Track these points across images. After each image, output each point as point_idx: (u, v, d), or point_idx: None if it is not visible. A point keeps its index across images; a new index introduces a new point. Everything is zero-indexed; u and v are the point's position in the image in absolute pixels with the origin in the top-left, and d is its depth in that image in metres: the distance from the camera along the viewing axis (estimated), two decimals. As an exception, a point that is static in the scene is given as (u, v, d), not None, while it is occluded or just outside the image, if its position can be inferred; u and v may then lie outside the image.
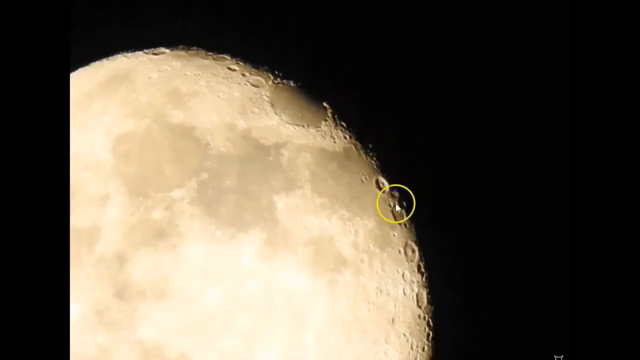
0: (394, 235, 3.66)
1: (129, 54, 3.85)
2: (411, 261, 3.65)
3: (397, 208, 3.66)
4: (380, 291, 3.50)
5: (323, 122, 3.75)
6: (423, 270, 3.64)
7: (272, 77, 3.76)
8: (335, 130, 3.75)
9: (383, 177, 3.71)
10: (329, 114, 3.77)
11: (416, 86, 3.46)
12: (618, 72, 2.20)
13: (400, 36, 3.44)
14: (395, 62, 3.62)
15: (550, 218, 3.01)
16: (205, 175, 3.54)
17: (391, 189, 3.68)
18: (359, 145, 3.74)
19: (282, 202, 3.60)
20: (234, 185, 3.59)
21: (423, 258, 3.64)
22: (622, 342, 2.17)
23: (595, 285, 2.20)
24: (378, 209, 3.57)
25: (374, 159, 3.73)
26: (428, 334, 3.47)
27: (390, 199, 3.69)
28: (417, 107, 3.65)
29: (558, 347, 2.80)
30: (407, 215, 3.55)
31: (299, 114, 3.73)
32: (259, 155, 3.67)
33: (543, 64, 3.16)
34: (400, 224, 3.59)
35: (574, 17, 2.32)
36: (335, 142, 3.73)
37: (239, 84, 3.73)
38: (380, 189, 3.66)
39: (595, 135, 2.20)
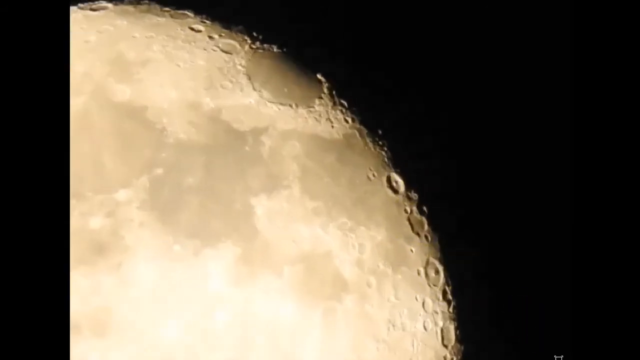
0: (412, 250, 3.76)
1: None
2: (434, 285, 3.75)
3: (416, 214, 3.78)
4: (393, 325, 3.58)
5: (317, 100, 3.84)
6: (450, 297, 3.76)
7: (248, 41, 3.86)
8: (333, 111, 3.84)
9: (397, 173, 3.82)
10: (325, 90, 3.86)
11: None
12: (618, 72, 2.71)
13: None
14: (414, 20, 3.88)
15: (548, 217, 3.49)
16: (159, 171, 3.61)
17: (408, 188, 3.81)
18: (365, 131, 3.84)
19: (262, 206, 3.69)
20: (198, 184, 3.67)
21: (450, 281, 3.76)
22: (622, 342, 2.62)
23: (595, 285, 2.67)
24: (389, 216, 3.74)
25: (385, 149, 3.84)
26: (457, 384, 3.52)
27: (407, 203, 3.81)
28: (445, 82, 3.85)
29: (558, 347, 3.29)
30: (429, 226, 3.71)
31: (285, 90, 3.82)
32: (231, 145, 3.76)
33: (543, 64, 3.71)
34: (420, 235, 3.75)
35: (573, 17, 2.85)
36: (333, 126, 3.82)
37: (204, 49, 3.81)
38: (393, 189, 3.78)
39: (595, 136, 2.72)
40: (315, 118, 3.82)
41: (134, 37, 3.80)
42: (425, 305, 3.67)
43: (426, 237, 3.80)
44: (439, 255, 3.78)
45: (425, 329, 3.63)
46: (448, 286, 3.77)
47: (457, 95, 3.91)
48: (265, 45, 3.84)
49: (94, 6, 3.98)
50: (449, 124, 3.92)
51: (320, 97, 3.84)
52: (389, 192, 3.82)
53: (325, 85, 3.86)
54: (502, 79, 3.74)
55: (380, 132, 3.85)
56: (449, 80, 3.93)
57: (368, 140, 3.83)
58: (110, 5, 3.98)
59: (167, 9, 3.90)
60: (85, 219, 3.51)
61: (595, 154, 2.78)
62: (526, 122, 3.77)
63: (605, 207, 2.77)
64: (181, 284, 3.54)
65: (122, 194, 3.52)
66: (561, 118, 3.25)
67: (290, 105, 3.80)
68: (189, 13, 3.88)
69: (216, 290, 3.59)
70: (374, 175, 3.80)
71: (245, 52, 3.80)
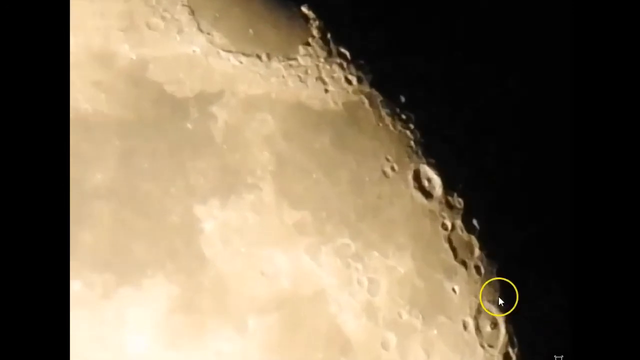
0: (455, 290, 3.49)
1: None
2: (490, 346, 3.47)
3: (462, 232, 3.49)
4: (426, 411, 3.46)
5: (302, 49, 3.53)
6: None
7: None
8: (328, 66, 3.53)
9: (430, 166, 3.50)
10: (315, 31, 3.54)
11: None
12: (618, 72, 3.18)
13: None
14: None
15: (546, 213, 3.63)
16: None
17: (448, 191, 3.51)
18: (380, 98, 3.52)
19: (212, 219, 3.49)
20: (109, 185, 3.48)
21: (516, 340, 3.47)
22: (622, 342, 3.08)
23: (595, 285, 3.11)
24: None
25: (411, 126, 3.52)
26: None
27: (447, 214, 3.50)
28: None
29: (558, 347, 3.48)
30: (481, 251, 3.49)
31: (250, 30, 3.52)
32: (163, 120, 3.53)
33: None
34: (467, 266, 3.49)
35: (573, 17, 3.22)
36: (327, 90, 3.53)
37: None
38: (424, 192, 3.49)
39: (595, 137, 3.16)
40: (299, 77, 3.55)
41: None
42: (475, 377, 3.46)
43: (477, 268, 3.53)
44: (497, 298, 3.52)
45: (476, 417, 3.52)
46: (512, 348, 3.49)
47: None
48: (220, -40, 3.68)
49: None
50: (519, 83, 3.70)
51: (307, 44, 3.56)
52: (418, 196, 3.55)
53: (315, 23, 3.55)
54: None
55: (403, 99, 3.53)
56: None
57: (384, 112, 3.55)
58: None
59: None
60: None
61: (596, 155, 3.19)
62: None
63: (606, 208, 3.14)
64: (82, 343, 3.43)
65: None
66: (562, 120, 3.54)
67: (259, 57, 3.56)
68: None
69: (138, 354, 3.45)
70: (393, 169, 3.54)
71: (188, -29, 3.65)
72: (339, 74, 3.55)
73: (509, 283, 3.50)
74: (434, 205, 3.55)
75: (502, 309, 3.50)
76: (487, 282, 3.47)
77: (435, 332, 3.48)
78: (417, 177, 3.56)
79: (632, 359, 3.14)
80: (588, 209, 3.21)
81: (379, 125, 3.56)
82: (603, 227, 3.19)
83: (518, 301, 3.52)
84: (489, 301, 3.52)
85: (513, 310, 3.52)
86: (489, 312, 3.48)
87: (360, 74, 3.57)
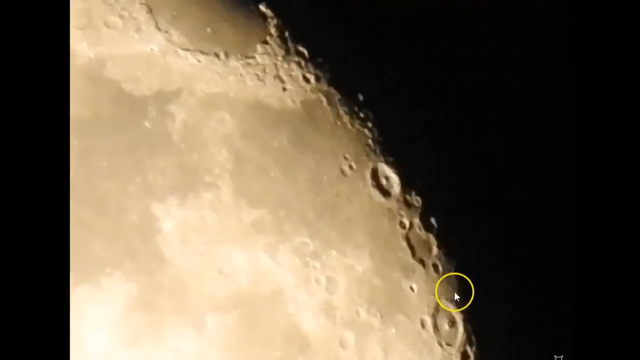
0: (413, 288, 3.49)
1: None
2: (448, 344, 3.48)
3: (420, 230, 3.49)
4: (384, 410, 3.57)
5: (260, 47, 3.54)
6: None
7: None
8: (286, 64, 3.55)
9: (389, 164, 3.51)
10: (273, 29, 3.55)
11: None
12: (618, 72, 3.25)
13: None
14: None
15: (545, 217, 3.68)
16: None
17: (407, 189, 3.50)
18: (338, 97, 3.54)
19: (170, 218, 3.51)
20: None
21: (474, 338, 3.48)
22: (622, 343, 3.14)
23: (595, 285, 3.17)
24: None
25: (370, 124, 3.53)
26: None
27: (405, 212, 3.49)
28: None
29: (558, 347, 3.54)
30: (440, 249, 3.47)
31: (208, 29, 3.54)
32: (121, 119, 3.54)
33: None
34: (425, 264, 3.47)
35: (573, 17, 3.33)
36: (285, 89, 3.55)
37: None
38: (383, 190, 3.49)
39: (595, 138, 3.24)
40: (257, 75, 3.55)
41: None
42: (434, 375, 3.49)
43: (435, 267, 3.53)
44: (457, 298, 3.52)
45: (435, 415, 3.62)
46: (470, 346, 3.50)
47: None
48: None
49: None
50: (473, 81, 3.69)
51: (266, 42, 3.57)
52: (376, 194, 3.54)
53: (273, 21, 3.57)
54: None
55: (361, 97, 3.54)
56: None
57: (342, 110, 3.55)
58: None
59: None
60: None
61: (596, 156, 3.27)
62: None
63: (606, 209, 3.21)
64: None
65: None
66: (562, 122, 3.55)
67: (217, 55, 3.55)
68: None
69: (97, 353, 3.46)
70: (351, 168, 3.54)
71: (147, -31, 3.78)
72: (297, 72, 3.57)
73: (465, 280, 3.49)
74: (392, 203, 3.55)
75: (458, 305, 3.51)
76: (442, 278, 3.49)
77: (393, 330, 3.50)
78: (375, 175, 3.57)
79: (632, 359, 3.19)
80: (588, 208, 3.24)
81: (337, 123, 3.57)
82: (603, 226, 3.22)
83: (475, 298, 3.51)
84: (446, 299, 3.53)
85: (471, 309, 3.51)
86: (445, 309, 3.49)
87: (318, 72, 3.58)
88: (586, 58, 3.31)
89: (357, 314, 3.49)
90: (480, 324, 3.57)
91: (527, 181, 3.75)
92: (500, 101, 3.77)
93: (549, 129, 3.76)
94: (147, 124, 3.53)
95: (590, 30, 3.31)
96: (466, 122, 3.71)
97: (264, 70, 3.57)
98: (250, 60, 3.56)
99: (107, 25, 3.57)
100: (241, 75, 3.55)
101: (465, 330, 3.54)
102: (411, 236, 3.56)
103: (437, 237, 3.57)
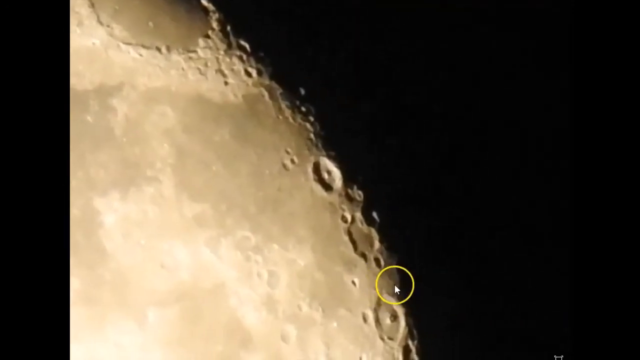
0: (355, 282, 3.48)
1: None
2: (390, 338, 3.47)
3: (362, 224, 3.48)
4: (326, 401, 3.56)
5: (202, 41, 3.53)
6: (415, 357, 3.48)
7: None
8: (228, 58, 3.53)
9: (330, 158, 3.51)
10: (215, 23, 3.54)
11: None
12: (618, 72, 3.27)
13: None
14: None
15: (545, 217, 3.72)
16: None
17: (348, 183, 3.50)
18: (280, 91, 3.53)
19: (112, 212, 3.51)
20: None
21: (415, 332, 3.47)
22: (623, 343, 3.16)
23: (595, 285, 3.20)
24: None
25: (312, 119, 3.53)
26: None
27: (347, 206, 3.49)
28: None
29: (558, 347, 3.58)
30: (381, 244, 3.46)
31: (150, 23, 3.52)
32: None
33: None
34: (367, 258, 3.46)
35: (573, 17, 3.34)
36: (227, 83, 3.54)
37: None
38: (325, 184, 3.49)
39: (595, 139, 3.26)
40: (199, 69, 3.54)
41: None
42: (375, 368, 3.51)
43: (377, 261, 3.51)
44: (397, 290, 3.51)
45: (375, 409, 3.60)
46: (412, 340, 3.50)
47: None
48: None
49: None
50: (422, 76, 3.67)
51: (207, 36, 3.55)
52: (318, 188, 3.54)
53: (215, 15, 3.55)
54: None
55: (303, 91, 3.55)
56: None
57: (284, 104, 3.56)
58: None
59: None
60: None
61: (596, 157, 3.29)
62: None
63: (606, 209, 3.23)
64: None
65: None
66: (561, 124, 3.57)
67: (159, 49, 3.54)
68: None
69: None
70: (293, 162, 3.55)
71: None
72: (238, 66, 3.55)
73: (407, 273, 3.48)
74: (334, 197, 3.54)
75: (399, 298, 3.50)
76: (382, 271, 3.48)
77: (335, 324, 3.50)
78: (317, 169, 3.56)
79: (632, 359, 3.19)
80: (588, 208, 3.25)
81: (278, 117, 3.56)
82: (603, 226, 3.23)
83: (417, 292, 3.50)
84: (387, 293, 3.52)
85: (413, 304, 3.49)
86: (386, 302, 3.48)
87: (260, 66, 3.57)
88: (586, 58, 3.32)
89: (299, 308, 3.50)
90: (422, 318, 3.55)
91: (527, 181, 3.72)
92: (500, 101, 3.75)
93: (549, 129, 3.73)
94: (89, 118, 3.51)
95: (590, 30, 3.32)
96: (410, 117, 3.62)
97: (206, 64, 3.55)
98: (192, 55, 3.55)
99: (47, 18, 3.60)
100: (183, 69, 3.54)
101: (407, 324, 3.53)
102: (353, 230, 3.54)
103: (379, 231, 3.55)
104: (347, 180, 3.56)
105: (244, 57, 3.57)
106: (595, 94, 3.31)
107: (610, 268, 3.25)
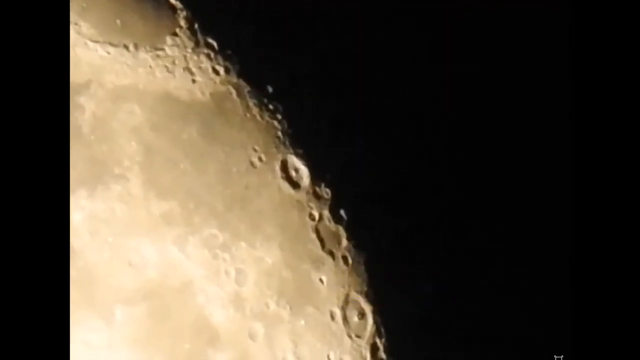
0: (322, 280, 3.49)
1: None
2: (358, 336, 3.47)
3: (329, 222, 3.48)
4: (292, 402, 3.56)
5: (169, 39, 3.53)
6: (383, 355, 3.47)
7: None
8: (196, 56, 3.54)
9: (298, 156, 3.53)
10: (183, 21, 3.54)
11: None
12: (618, 72, 3.27)
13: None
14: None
15: (545, 216, 3.72)
16: None
17: (316, 181, 3.50)
18: (247, 89, 3.53)
19: (80, 210, 3.50)
20: None
21: (383, 330, 3.47)
22: (623, 343, 3.15)
23: (595, 285, 3.18)
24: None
25: (279, 117, 3.54)
26: None
27: (314, 204, 3.50)
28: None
29: (558, 347, 3.58)
30: (349, 241, 3.46)
31: (117, 21, 3.52)
32: None
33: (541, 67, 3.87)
34: (335, 256, 3.47)
35: (573, 17, 3.34)
36: (195, 80, 3.54)
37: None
38: (292, 182, 3.50)
39: (595, 140, 3.25)
40: (167, 67, 3.54)
41: None
42: (341, 367, 3.60)
43: (345, 259, 3.52)
44: (365, 288, 3.52)
45: (343, 407, 3.60)
46: (380, 338, 3.49)
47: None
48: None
49: None
50: (389, 76, 3.65)
51: (175, 34, 3.55)
52: (286, 186, 3.55)
53: (183, 13, 3.55)
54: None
55: (270, 89, 3.56)
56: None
57: (251, 102, 3.55)
58: None
59: None
60: None
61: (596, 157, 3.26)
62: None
63: (606, 209, 3.22)
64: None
65: None
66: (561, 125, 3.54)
67: (126, 47, 3.55)
68: None
69: None
70: (260, 160, 3.55)
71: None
72: (206, 64, 3.55)
73: (375, 272, 3.47)
74: (301, 195, 3.54)
75: (366, 297, 3.50)
76: (351, 270, 3.47)
77: (302, 322, 3.50)
78: (284, 167, 3.57)
79: (632, 359, 3.18)
80: (588, 208, 3.22)
81: (246, 115, 3.56)
82: (603, 226, 3.21)
83: (384, 291, 3.48)
84: (356, 291, 3.52)
85: (381, 302, 3.48)
86: (355, 300, 3.47)
87: (227, 64, 3.56)
88: (586, 58, 3.31)
89: (267, 305, 3.50)
90: (389, 317, 3.52)
91: (527, 181, 3.71)
92: (500, 101, 3.75)
93: (549, 129, 3.72)
94: (56, 116, 3.54)
95: (590, 30, 3.31)
96: (377, 117, 3.60)
97: (174, 62, 3.55)
98: (160, 52, 3.55)
99: (15, 17, 3.61)
100: (150, 67, 3.55)
101: (375, 322, 3.52)
102: (321, 228, 3.55)
103: (347, 229, 3.54)
104: (315, 178, 3.57)
105: (212, 55, 3.57)
106: (595, 94, 3.26)
107: (610, 268, 3.19)
